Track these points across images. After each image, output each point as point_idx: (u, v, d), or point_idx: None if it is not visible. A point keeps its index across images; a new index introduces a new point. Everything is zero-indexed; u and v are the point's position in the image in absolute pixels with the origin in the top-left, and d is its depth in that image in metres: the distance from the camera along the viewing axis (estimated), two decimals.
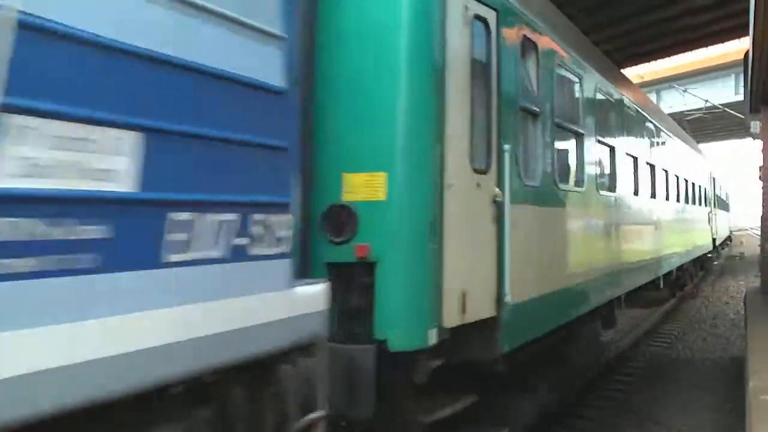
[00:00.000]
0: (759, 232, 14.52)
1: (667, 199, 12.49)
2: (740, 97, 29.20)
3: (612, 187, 8.40)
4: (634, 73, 29.49)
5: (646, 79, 33.68)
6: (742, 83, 18.91)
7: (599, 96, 7.95)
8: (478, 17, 4.71)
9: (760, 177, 13.89)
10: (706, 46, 26.22)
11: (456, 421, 4.60)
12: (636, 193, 9.73)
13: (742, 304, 12.54)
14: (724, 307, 15.96)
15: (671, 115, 22.03)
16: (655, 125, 11.71)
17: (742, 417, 5.76)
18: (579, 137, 7.14)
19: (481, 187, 4.70)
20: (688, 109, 34.42)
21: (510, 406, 5.59)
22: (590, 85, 7.55)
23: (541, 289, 5.73)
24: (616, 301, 8.71)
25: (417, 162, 4.09)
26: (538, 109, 5.82)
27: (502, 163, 4.88)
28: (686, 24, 21.20)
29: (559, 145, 6.55)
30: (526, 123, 5.70)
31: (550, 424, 7.02)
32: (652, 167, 11.08)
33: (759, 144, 14.22)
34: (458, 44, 4.46)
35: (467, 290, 4.43)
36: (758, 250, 14.90)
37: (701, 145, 25.27)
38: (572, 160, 7.08)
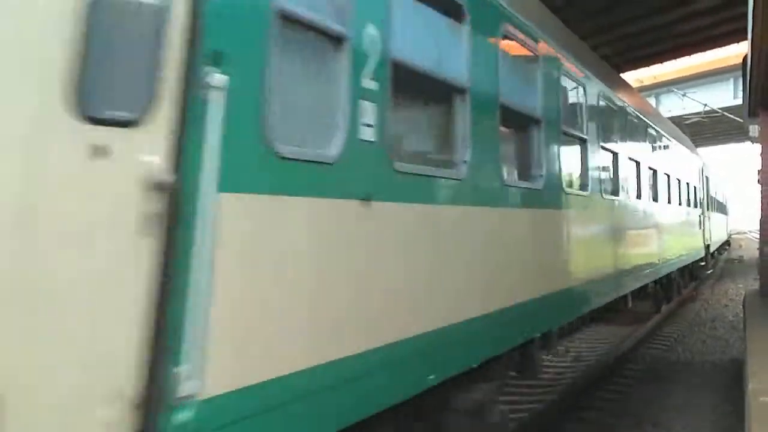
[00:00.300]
0: (758, 235, 14.52)
1: (639, 197, 9.99)
2: (739, 101, 29.29)
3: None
4: (634, 77, 29.59)
5: (646, 83, 33.77)
6: (740, 87, 18.97)
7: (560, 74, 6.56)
8: None
9: (758, 180, 13.93)
10: (705, 51, 26.29)
11: None
12: (584, 187, 7.28)
13: (741, 306, 12.58)
14: (724, 310, 15.99)
15: (670, 119, 22.02)
16: (617, 104, 9.13)
17: (741, 419, 5.79)
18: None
19: (112, 157, 2.13)
20: (687, 113, 34.55)
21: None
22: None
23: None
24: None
25: None
26: None
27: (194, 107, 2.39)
28: (685, 28, 21.28)
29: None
30: None
31: (548, 427, 7.05)
32: (615, 155, 8.68)
33: (758, 148, 14.28)
34: None
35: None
36: (757, 253, 14.92)
37: (700, 149, 25.11)
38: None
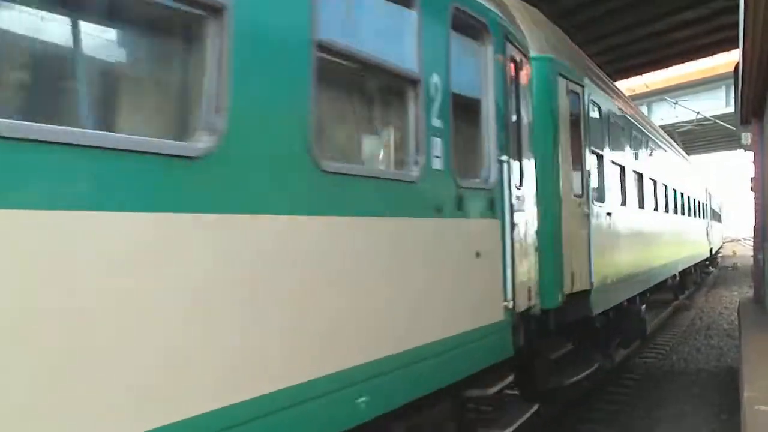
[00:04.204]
0: (750, 242, 14.61)
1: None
2: (731, 109, 29.47)
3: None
4: (626, 86, 29.75)
5: (638, 92, 33.95)
6: (732, 95, 19.12)
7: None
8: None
9: (751, 188, 14.00)
10: (696, 59, 26.53)
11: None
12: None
13: (736, 314, 12.59)
14: (718, 318, 16.00)
15: (662, 127, 22.19)
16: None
17: (737, 427, 5.78)
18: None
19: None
20: (680, 121, 34.69)
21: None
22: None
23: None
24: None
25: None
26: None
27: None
28: (675, 37, 21.47)
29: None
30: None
31: None
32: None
33: (750, 155, 14.36)
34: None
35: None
36: (751, 260, 14.97)
37: (692, 157, 25.68)
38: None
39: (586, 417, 7.93)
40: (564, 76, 6.93)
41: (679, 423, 7.55)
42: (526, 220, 5.48)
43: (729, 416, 7.46)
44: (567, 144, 6.83)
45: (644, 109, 34.37)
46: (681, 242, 16.16)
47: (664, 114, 36.09)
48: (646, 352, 11.99)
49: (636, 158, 10.80)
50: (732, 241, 63.93)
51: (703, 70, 32.78)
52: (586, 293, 7.05)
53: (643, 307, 10.57)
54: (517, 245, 5.03)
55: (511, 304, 4.79)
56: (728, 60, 25.20)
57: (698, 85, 34.70)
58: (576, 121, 7.25)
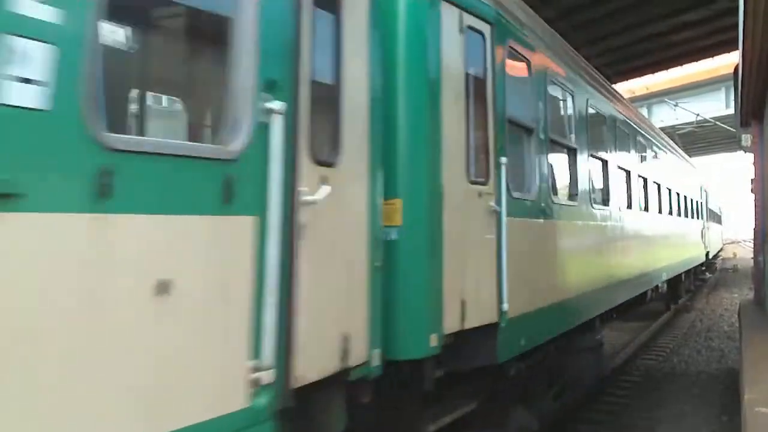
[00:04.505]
0: (751, 244, 14.57)
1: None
2: (731, 111, 29.45)
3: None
4: (626, 87, 29.76)
5: (638, 93, 33.96)
6: (732, 97, 19.11)
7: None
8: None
9: (751, 190, 13.98)
10: (696, 61, 26.53)
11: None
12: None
13: (737, 316, 12.57)
14: (719, 320, 15.98)
15: (663, 129, 22.17)
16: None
17: (737, 429, 5.76)
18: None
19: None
20: (680, 123, 34.69)
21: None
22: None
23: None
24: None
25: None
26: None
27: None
28: (675, 39, 21.46)
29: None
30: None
31: None
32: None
33: (750, 157, 14.34)
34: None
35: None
36: (751, 262, 14.94)
37: (693, 159, 25.50)
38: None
39: (586, 417, 7.92)
40: (455, 3, 4.54)
41: (679, 424, 7.53)
42: (336, 221, 3.29)
43: (729, 418, 7.44)
44: (459, 108, 4.56)
45: (644, 111, 34.37)
46: (668, 246, 13.34)
47: (664, 116, 36.09)
48: (646, 354, 11.97)
49: (596, 140, 8.01)
50: (732, 242, 63.88)
51: (704, 71, 32.78)
52: (491, 328, 4.75)
53: (600, 336, 8.34)
54: (303, 265, 2.95)
55: (271, 375, 2.69)
56: (728, 61, 25.22)
57: (698, 86, 34.69)
58: (480, 76, 4.91)
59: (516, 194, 5.32)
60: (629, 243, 9.43)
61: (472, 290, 4.53)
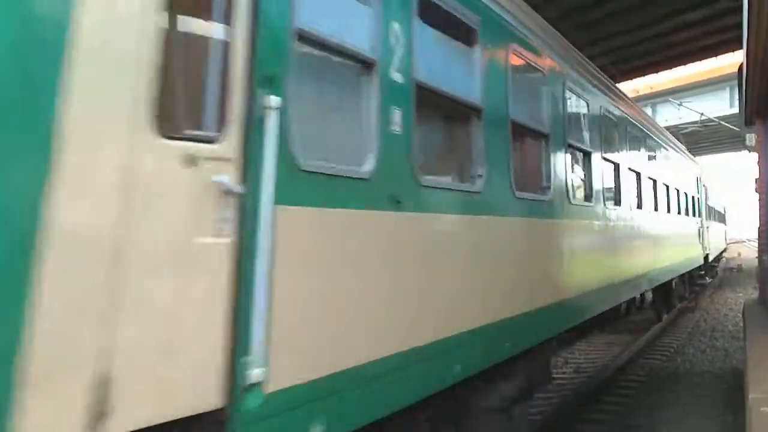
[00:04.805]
0: (755, 244, 14.52)
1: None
2: (735, 110, 29.40)
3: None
4: (630, 87, 29.71)
5: (642, 93, 33.91)
6: (736, 96, 19.07)
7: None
8: None
9: (756, 189, 13.94)
10: (700, 60, 26.44)
11: None
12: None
13: (741, 315, 12.54)
14: (723, 319, 15.94)
15: (667, 128, 22.07)
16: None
17: (742, 429, 5.74)
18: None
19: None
20: (684, 122, 34.67)
21: None
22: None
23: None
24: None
25: None
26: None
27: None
28: (679, 38, 21.42)
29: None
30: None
31: None
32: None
33: (755, 156, 14.30)
34: None
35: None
36: (756, 261, 14.91)
37: (697, 158, 25.19)
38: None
39: (588, 417, 7.91)
40: None
41: (683, 423, 7.52)
42: None
43: (734, 417, 7.42)
44: None
45: (648, 111, 34.33)
46: (653, 247, 10.87)
47: (668, 115, 36.06)
48: (650, 353, 11.95)
49: (545, 112, 6.02)
50: (737, 242, 63.73)
51: (708, 70, 32.71)
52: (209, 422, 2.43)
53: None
54: None
55: None
56: (732, 61, 25.15)
57: (702, 86, 34.64)
58: None
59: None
60: (598, 246, 7.36)
61: (143, 351, 2.19)
